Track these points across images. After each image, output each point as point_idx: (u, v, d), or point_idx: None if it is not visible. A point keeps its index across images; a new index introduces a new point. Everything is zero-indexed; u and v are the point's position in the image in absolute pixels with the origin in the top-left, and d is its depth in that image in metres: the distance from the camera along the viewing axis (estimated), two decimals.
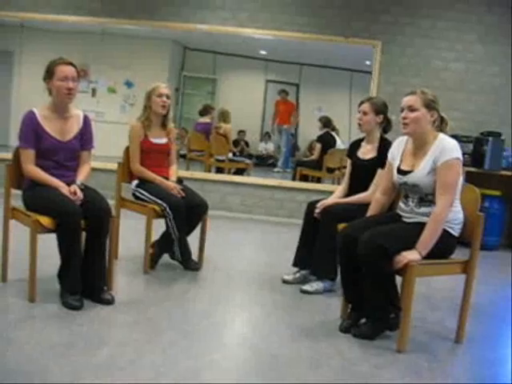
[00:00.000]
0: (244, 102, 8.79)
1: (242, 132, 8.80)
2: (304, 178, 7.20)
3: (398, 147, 2.98)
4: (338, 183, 7.76)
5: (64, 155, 3.09)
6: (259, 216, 6.30)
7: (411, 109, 2.77)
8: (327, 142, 7.57)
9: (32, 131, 3.00)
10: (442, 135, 2.79)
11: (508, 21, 5.90)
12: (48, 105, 3.09)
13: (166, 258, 3.82)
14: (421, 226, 2.74)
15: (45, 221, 2.87)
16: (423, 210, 2.81)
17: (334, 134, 7.69)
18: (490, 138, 5.35)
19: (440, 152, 2.71)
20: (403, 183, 2.88)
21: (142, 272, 3.63)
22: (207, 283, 3.63)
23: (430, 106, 2.77)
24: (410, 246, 2.71)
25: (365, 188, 3.58)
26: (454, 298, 3.64)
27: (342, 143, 7.73)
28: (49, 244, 2.96)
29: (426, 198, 2.81)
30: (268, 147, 9.15)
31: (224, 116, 7.82)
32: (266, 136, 9.15)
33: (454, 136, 2.84)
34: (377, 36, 6.02)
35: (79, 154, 3.19)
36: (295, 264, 3.76)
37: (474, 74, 6.00)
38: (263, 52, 8.43)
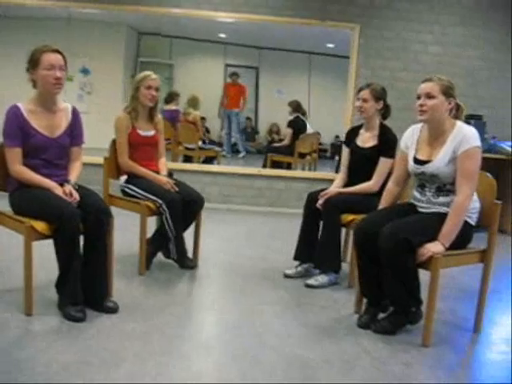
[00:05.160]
0: (202, 87, 8.52)
1: (202, 119, 8.56)
2: (276, 165, 7.07)
3: (412, 136, 2.88)
4: (310, 169, 7.71)
5: (54, 152, 2.82)
6: (238, 206, 6.13)
7: (429, 96, 2.65)
8: (298, 126, 7.47)
9: (18, 128, 2.70)
10: (459, 123, 2.70)
11: (486, 2, 5.91)
12: (34, 98, 2.80)
13: (159, 256, 3.61)
14: (439, 216, 2.67)
15: (40, 226, 2.60)
16: (441, 199, 2.73)
17: (304, 118, 7.61)
18: (472, 121, 5.35)
19: (460, 140, 2.62)
20: (420, 173, 2.78)
21: (137, 274, 3.42)
22: (208, 283, 3.45)
23: (448, 93, 2.67)
24: (432, 237, 2.63)
25: (365, 177, 3.49)
26: (458, 286, 3.63)
27: (311, 127, 7.68)
28: (41, 249, 2.70)
29: (445, 187, 2.73)
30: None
31: (193, 103, 7.56)
32: None
33: None
34: (354, 19, 5.89)
35: (69, 150, 2.93)
36: (296, 257, 3.63)
37: (452, 56, 5.98)
38: (222, 35, 8.18)
